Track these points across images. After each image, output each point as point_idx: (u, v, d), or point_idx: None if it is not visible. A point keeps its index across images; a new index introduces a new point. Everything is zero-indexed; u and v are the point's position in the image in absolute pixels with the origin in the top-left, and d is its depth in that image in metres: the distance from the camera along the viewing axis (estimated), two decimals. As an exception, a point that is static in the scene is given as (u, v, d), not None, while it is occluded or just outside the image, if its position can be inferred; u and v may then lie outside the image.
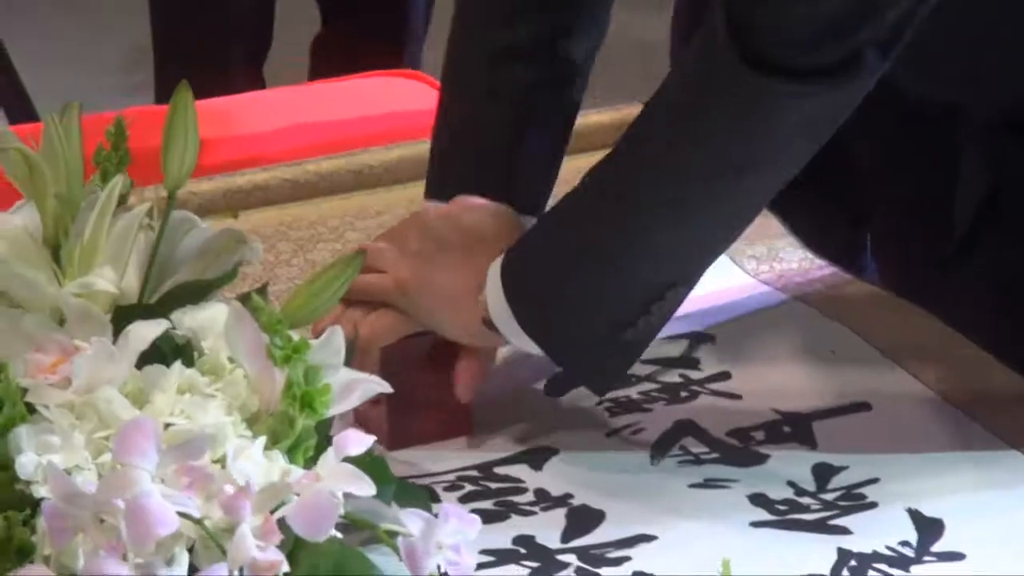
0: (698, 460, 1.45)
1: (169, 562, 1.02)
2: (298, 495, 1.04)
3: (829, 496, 1.38)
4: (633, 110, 1.60)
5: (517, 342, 1.56)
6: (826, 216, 2.01)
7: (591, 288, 1.54)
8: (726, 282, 1.71)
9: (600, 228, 1.56)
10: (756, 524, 1.36)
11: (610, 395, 1.58)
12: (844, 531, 1.36)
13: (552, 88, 1.80)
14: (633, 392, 1.54)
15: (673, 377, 1.57)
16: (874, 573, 1.33)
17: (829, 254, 1.85)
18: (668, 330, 1.58)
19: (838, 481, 1.41)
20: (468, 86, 1.80)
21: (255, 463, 1.07)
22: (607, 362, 1.54)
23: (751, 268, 1.74)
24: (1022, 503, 1.39)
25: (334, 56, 3.12)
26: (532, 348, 1.55)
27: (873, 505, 1.36)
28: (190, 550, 1.03)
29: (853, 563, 1.33)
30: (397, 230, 1.69)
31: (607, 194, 1.57)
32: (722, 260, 1.63)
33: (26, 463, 1.07)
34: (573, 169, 1.67)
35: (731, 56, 1.44)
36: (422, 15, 3.26)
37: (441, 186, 1.74)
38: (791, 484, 1.39)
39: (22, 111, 2.95)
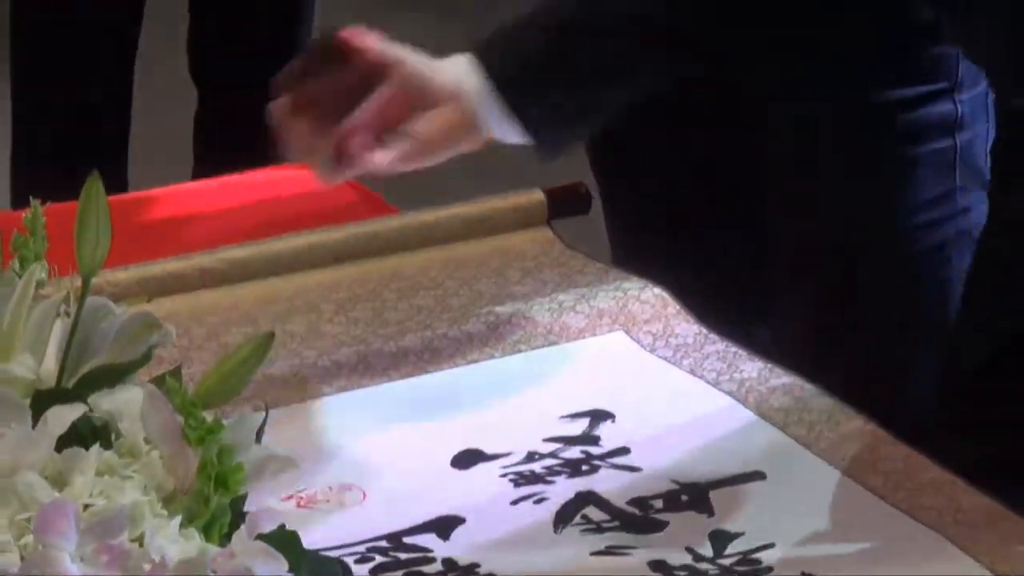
0: (600, 528, 1.43)
1: (91, 638, 1.01)
2: (214, 572, 1.04)
3: (726, 561, 1.37)
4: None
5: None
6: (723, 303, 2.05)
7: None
8: (626, 361, 1.70)
9: None
10: (657, 589, 1.38)
11: (513, 468, 1.54)
12: (742, 595, 1.37)
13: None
14: (537, 467, 1.52)
15: (575, 453, 1.55)
16: (772, 634, 1.33)
17: (723, 329, 1.82)
18: (568, 409, 1.60)
19: (735, 547, 1.39)
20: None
21: (172, 541, 1.06)
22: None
23: (647, 344, 1.72)
24: (911, 565, 1.38)
25: (214, 148, 3.04)
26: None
27: (769, 570, 1.35)
28: (110, 627, 1.02)
29: (751, 624, 1.35)
30: None
31: None
32: (621, 338, 1.68)
33: (-51, 547, 1.06)
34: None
35: None
36: None
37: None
38: (689, 550, 1.38)
39: None
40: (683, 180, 2.16)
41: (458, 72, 1.74)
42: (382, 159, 1.74)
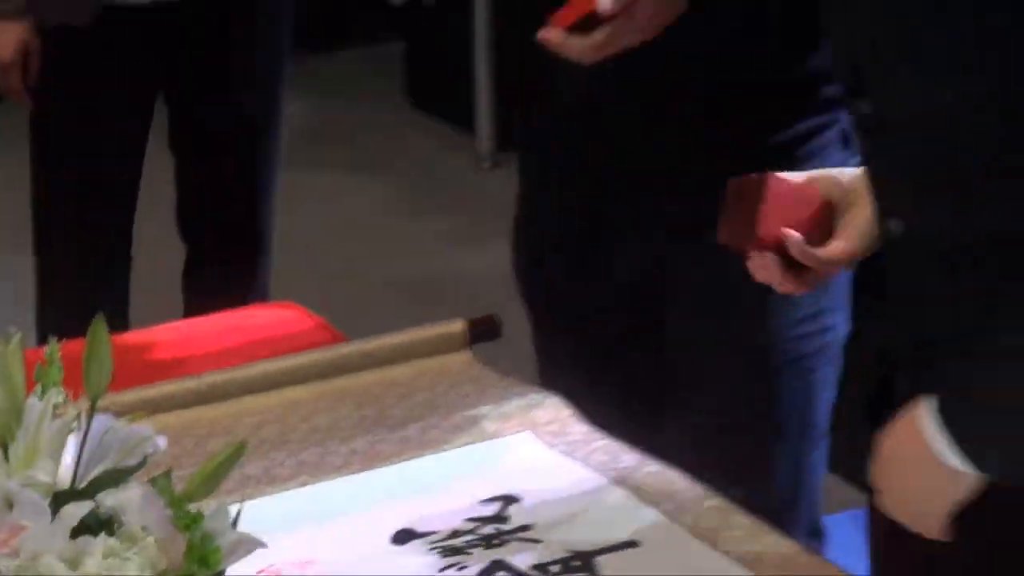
0: (510, 588, 1.48)
1: None
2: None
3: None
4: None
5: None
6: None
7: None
8: (530, 456, 1.70)
9: None
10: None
11: (440, 544, 1.55)
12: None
13: None
14: (458, 542, 1.53)
15: (489, 530, 1.56)
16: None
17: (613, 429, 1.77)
18: (484, 494, 1.60)
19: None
20: None
21: (165, 607, 1.06)
22: None
23: (547, 441, 1.72)
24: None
25: (204, 289, 2.93)
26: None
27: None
28: None
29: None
30: None
31: None
32: (527, 437, 1.69)
33: (-13, 620, 1.05)
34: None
35: None
36: (269, 253, 3.03)
37: None
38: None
39: None
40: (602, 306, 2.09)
41: None
42: None
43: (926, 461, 1.39)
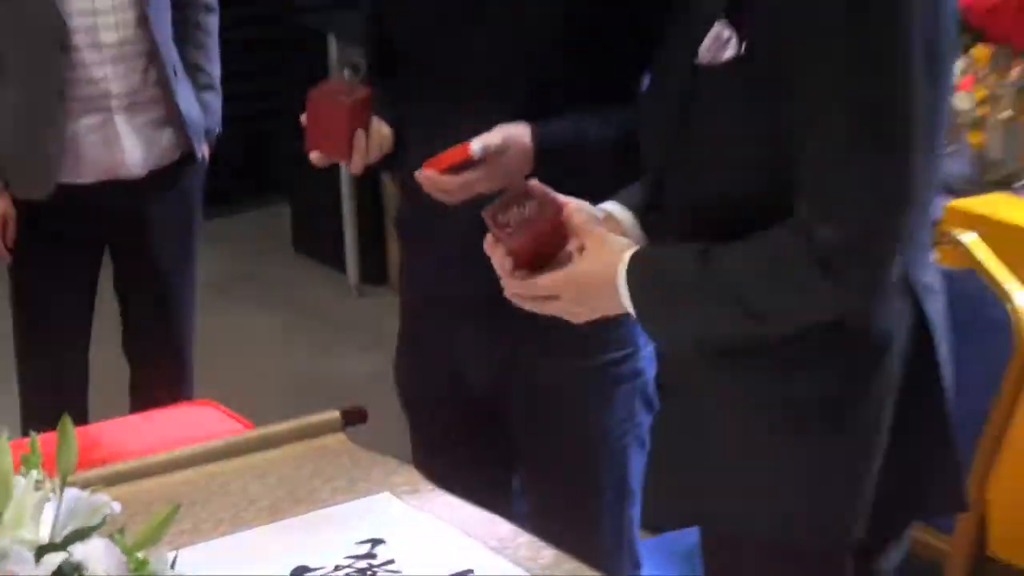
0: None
1: None
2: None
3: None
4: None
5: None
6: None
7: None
8: (395, 511, 1.70)
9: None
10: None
11: (328, 575, 1.56)
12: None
13: None
14: (340, 574, 1.55)
15: (363, 564, 1.57)
16: None
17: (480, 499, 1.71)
18: (358, 538, 1.61)
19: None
20: None
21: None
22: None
23: (402, 499, 1.74)
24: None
25: (144, 392, 2.97)
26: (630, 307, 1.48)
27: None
28: None
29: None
30: None
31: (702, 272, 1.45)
32: (387, 496, 1.72)
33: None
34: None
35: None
36: (190, 365, 3.07)
37: None
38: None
39: None
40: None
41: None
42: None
43: (612, 295, 1.47)
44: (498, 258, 1.53)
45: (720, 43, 1.41)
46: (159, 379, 2.93)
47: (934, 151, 1.40)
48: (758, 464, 1.55)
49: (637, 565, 2.08)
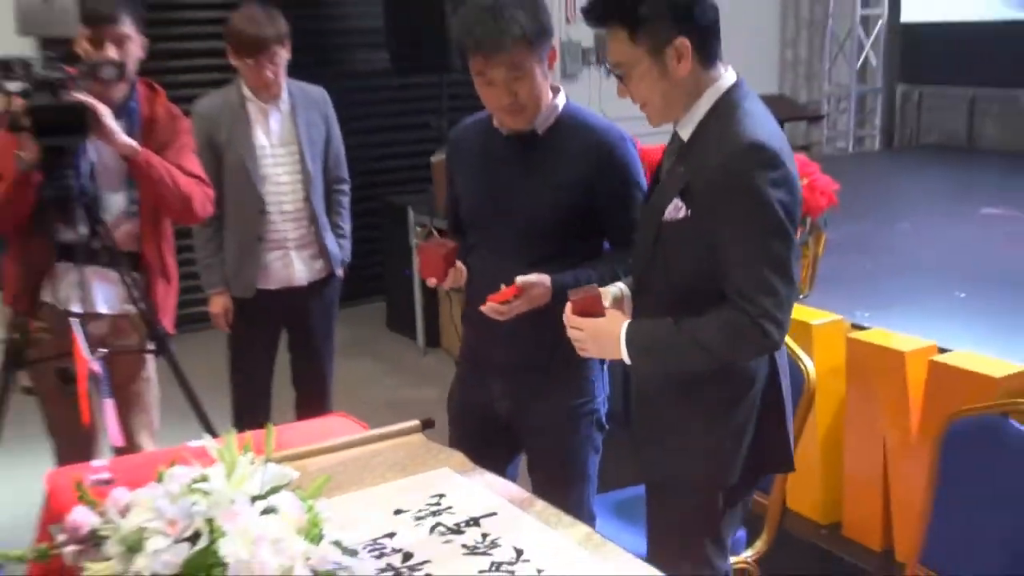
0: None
1: None
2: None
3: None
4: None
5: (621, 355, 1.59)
6: None
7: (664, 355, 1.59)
8: (449, 477, 1.72)
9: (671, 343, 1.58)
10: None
11: (412, 515, 1.60)
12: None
13: None
14: (420, 513, 1.60)
15: (433, 508, 1.63)
16: None
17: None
18: (430, 493, 1.65)
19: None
20: None
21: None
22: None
23: (456, 471, 1.77)
24: None
25: (303, 410, 3.08)
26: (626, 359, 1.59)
27: None
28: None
29: None
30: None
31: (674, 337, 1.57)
32: (446, 470, 1.74)
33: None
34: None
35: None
36: (331, 393, 3.22)
37: None
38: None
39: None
40: None
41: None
42: None
43: (614, 346, 1.61)
44: (567, 310, 1.69)
45: (676, 208, 1.57)
46: (313, 400, 3.14)
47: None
48: (683, 438, 1.70)
49: (593, 518, 2.12)
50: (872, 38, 6.63)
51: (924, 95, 6.37)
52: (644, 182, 1.91)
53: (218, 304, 2.95)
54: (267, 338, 3.06)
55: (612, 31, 1.50)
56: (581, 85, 5.66)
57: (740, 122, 1.50)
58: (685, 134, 1.56)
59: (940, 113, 6.28)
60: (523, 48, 1.78)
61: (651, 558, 1.58)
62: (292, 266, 2.94)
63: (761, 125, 1.50)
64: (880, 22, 6.56)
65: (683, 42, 1.48)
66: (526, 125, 1.89)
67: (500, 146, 1.93)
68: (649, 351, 1.61)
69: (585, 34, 5.82)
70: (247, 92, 2.78)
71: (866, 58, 6.66)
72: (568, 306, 1.66)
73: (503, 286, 1.86)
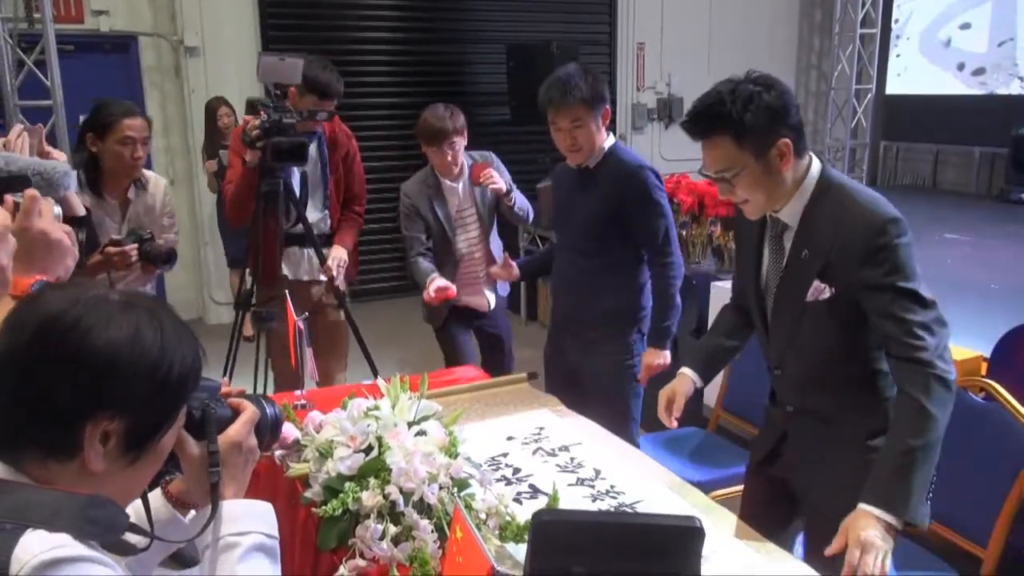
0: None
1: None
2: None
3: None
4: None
5: None
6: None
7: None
8: (547, 416, 1.64)
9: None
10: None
11: (520, 440, 1.53)
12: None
13: None
14: (526, 439, 1.52)
15: (535, 437, 1.54)
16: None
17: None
18: (534, 424, 1.57)
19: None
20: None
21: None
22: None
23: (553, 412, 1.69)
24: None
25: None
26: None
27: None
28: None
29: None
30: None
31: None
32: (545, 411, 1.66)
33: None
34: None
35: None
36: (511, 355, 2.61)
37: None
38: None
39: None
40: None
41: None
42: None
43: (886, 530, 1.12)
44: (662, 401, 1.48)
45: (818, 290, 1.26)
46: (496, 361, 2.59)
47: None
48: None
49: (637, 446, 1.87)
50: (863, 106, 6.59)
51: (900, 148, 6.42)
52: (662, 200, 1.87)
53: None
54: (466, 332, 2.57)
55: (715, 141, 1.22)
56: (645, 135, 5.88)
57: (857, 200, 1.23)
58: (790, 219, 1.28)
59: (912, 163, 6.33)
60: (582, 107, 1.81)
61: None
62: (482, 294, 2.52)
63: (876, 199, 1.23)
64: (869, 94, 6.55)
65: (785, 142, 1.22)
66: (583, 161, 1.91)
67: (572, 176, 1.96)
68: (911, 495, 1.14)
69: (649, 98, 5.89)
70: (437, 173, 2.40)
71: (858, 120, 6.62)
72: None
73: (571, 273, 1.91)
